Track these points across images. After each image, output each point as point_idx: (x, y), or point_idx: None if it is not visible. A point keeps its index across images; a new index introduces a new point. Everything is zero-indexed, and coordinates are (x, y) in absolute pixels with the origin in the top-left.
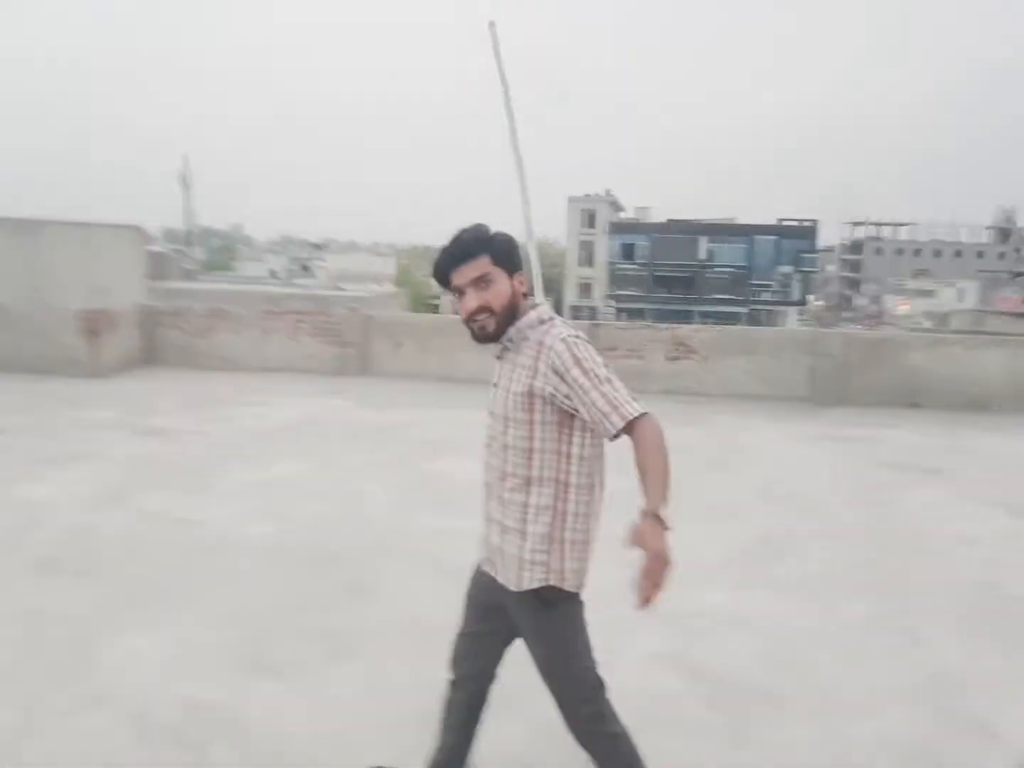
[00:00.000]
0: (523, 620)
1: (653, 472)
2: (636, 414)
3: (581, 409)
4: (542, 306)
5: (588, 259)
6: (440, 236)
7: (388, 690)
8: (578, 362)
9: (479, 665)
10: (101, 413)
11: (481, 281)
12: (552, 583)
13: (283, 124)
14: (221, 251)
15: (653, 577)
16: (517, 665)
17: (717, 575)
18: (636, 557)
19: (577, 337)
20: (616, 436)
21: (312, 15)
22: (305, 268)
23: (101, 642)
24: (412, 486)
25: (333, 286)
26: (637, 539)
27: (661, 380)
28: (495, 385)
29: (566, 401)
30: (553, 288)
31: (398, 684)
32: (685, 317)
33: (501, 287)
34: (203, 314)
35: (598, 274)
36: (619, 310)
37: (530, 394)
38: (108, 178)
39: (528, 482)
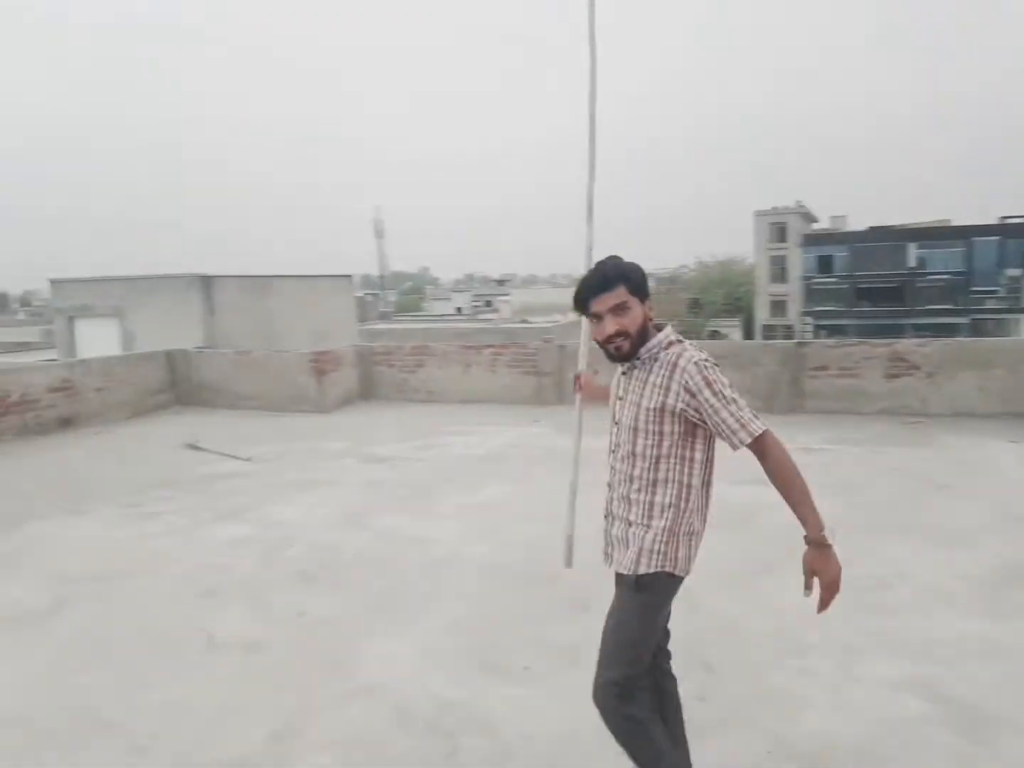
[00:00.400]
0: (621, 593)
1: (800, 496)
2: (760, 431)
3: (709, 423)
4: (667, 328)
5: (780, 275)
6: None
7: None
8: (709, 384)
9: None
10: (333, 444)
11: (619, 308)
12: (667, 570)
13: (460, 170)
14: (410, 292)
15: (830, 597)
16: None
17: (962, 602)
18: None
19: (707, 360)
20: (739, 447)
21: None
22: (488, 303)
23: (360, 643)
24: None
25: (519, 319)
26: (812, 567)
27: (878, 400)
28: (620, 399)
29: (695, 415)
30: (742, 308)
31: None
32: (895, 331)
33: (636, 313)
34: (410, 351)
35: (791, 290)
36: (817, 327)
37: (662, 410)
38: (309, 229)
39: (654, 484)
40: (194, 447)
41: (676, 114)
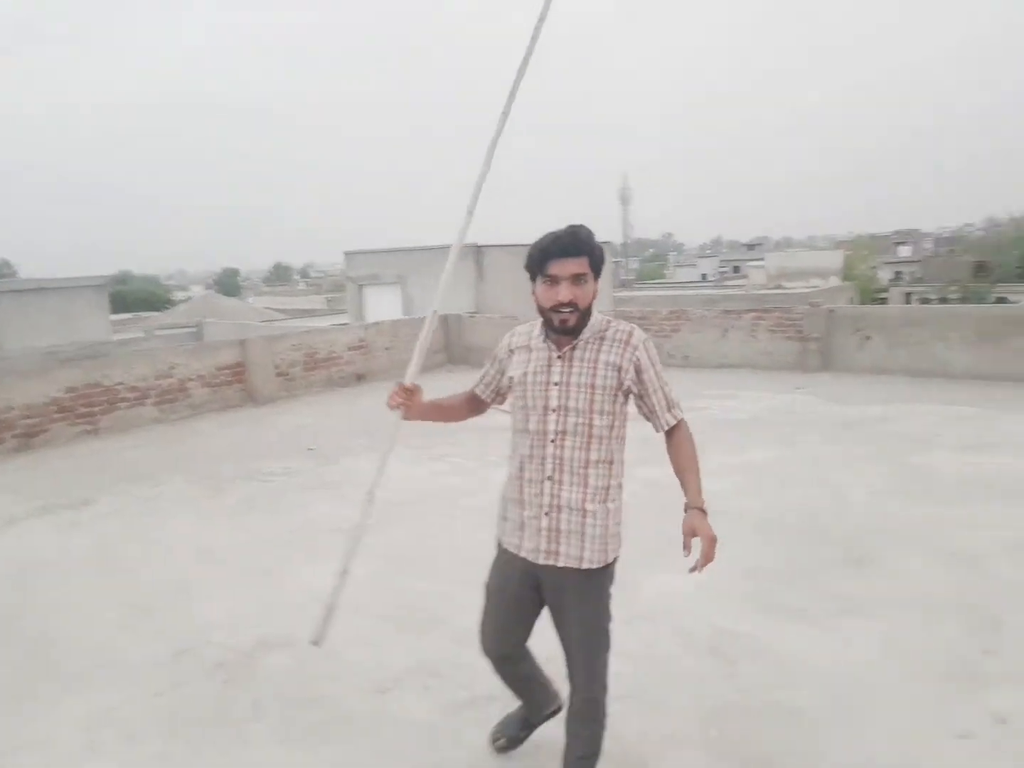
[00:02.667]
0: (589, 589)
1: (696, 472)
2: (682, 415)
3: (645, 402)
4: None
5: None
6: (883, 225)
7: (899, 644)
8: (654, 363)
9: (520, 640)
10: None
11: (578, 278)
12: (619, 552)
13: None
14: (652, 259)
15: (710, 555)
16: None
17: None
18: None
19: (649, 339)
20: (667, 427)
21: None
22: (736, 269)
23: (638, 576)
24: (896, 477)
25: (773, 285)
26: (695, 529)
27: None
28: (556, 384)
29: (635, 392)
30: None
31: (913, 646)
32: None
33: (590, 289)
34: (666, 316)
35: None
36: None
37: (617, 388)
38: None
39: (610, 465)
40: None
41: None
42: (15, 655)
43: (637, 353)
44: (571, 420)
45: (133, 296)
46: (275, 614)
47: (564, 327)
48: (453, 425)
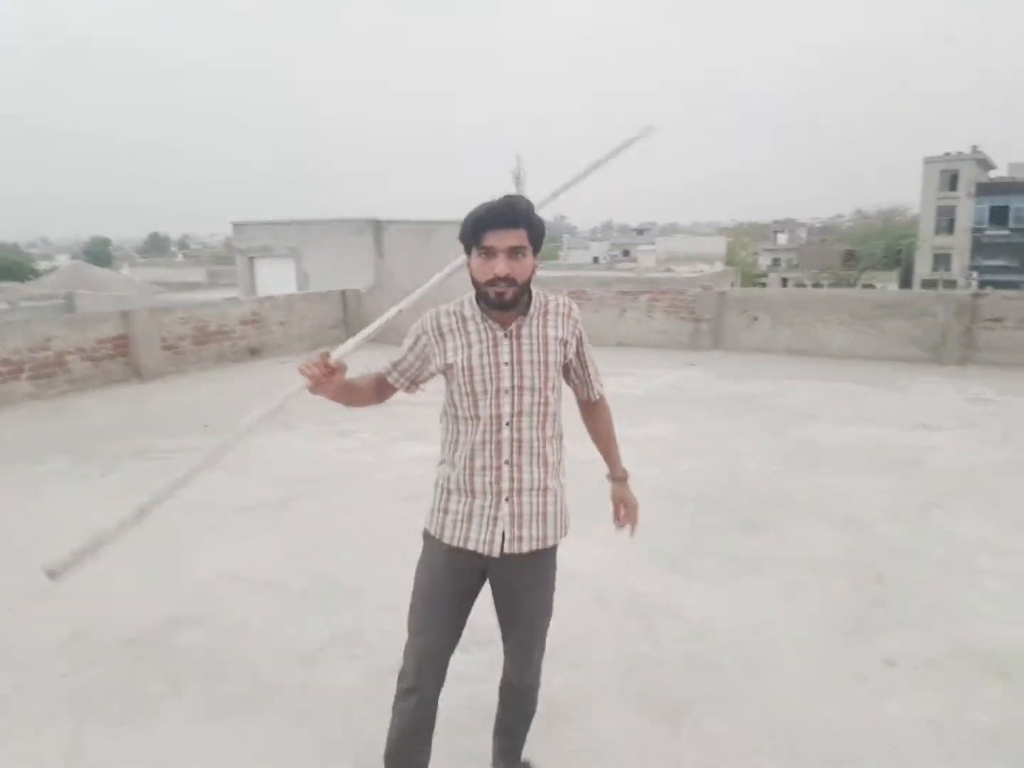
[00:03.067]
0: (543, 570)
1: (616, 442)
2: (603, 387)
3: (577, 374)
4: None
5: (947, 227)
6: (762, 213)
7: (797, 599)
8: (586, 337)
9: (450, 647)
10: None
11: (516, 251)
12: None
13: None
14: (547, 241)
15: (636, 519)
16: None
17: None
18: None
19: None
20: (595, 399)
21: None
22: (626, 253)
23: None
24: (783, 449)
25: (663, 268)
26: (623, 499)
27: None
28: (507, 364)
29: (572, 364)
30: (900, 261)
31: (808, 601)
32: None
33: (528, 263)
34: (567, 296)
35: (958, 243)
36: (983, 283)
37: (564, 363)
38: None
39: (560, 439)
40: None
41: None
42: None
43: (579, 325)
44: (526, 400)
45: None
46: (182, 593)
47: (500, 301)
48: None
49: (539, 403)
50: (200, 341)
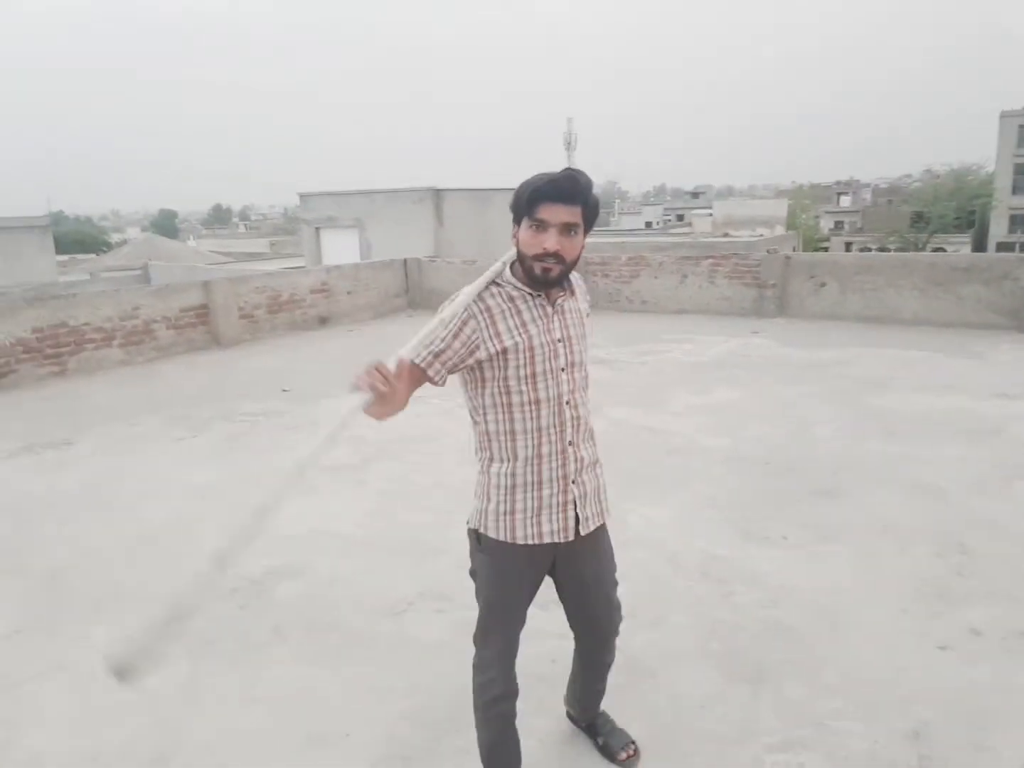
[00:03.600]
0: (607, 543)
1: None
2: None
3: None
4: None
5: None
6: (824, 174)
7: (877, 567)
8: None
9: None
10: None
11: (569, 228)
12: None
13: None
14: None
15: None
16: None
17: None
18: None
19: None
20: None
21: None
22: (680, 217)
23: (623, 508)
24: (855, 416)
25: (720, 233)
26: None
27: None
28: (560, 340)
29: None
30: (974, 223)
31: (888, 569)
32: None
33: (578, 242)
34: (626, 262)
35: None
36: None
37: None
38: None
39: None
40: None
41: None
42: (27, 586)
43: (588, 297)
44: (578, 376)
45: (67, 238)
46: (278, 546)
47: (546, 277)
48: None
49: (585, 377)
50: (273, 310)
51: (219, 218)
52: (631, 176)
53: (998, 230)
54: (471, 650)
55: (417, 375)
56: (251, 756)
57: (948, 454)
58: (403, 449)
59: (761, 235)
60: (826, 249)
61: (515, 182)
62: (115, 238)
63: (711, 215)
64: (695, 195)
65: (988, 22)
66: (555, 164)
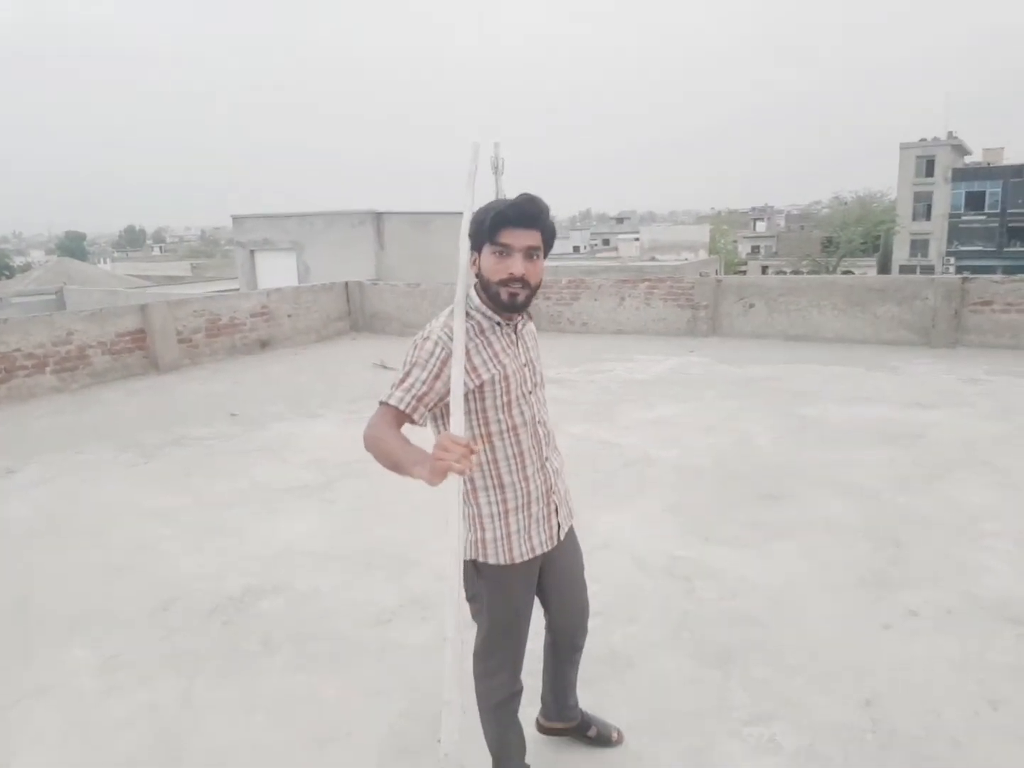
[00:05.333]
0: (575, 537)
1: None
2: None
3: None
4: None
5: (924, 212)
6: (740, 201)
7: (823, 560)
8: None
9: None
10: None
11: (532, 252)
12: None
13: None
14: None
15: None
16: None
17: None
18: None
19: None
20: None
21: None
22: (606, 242)
23: (590, 515)
24: (791, 427)
25: (648, 257)
26: None
27: None
28: (525, 365)
29: None
30: (878, 248)
31: (833, 561)
32: None
33: (540, 266)
34: (566, 285)
35: (935, 228)
36: (960, 268)
37: None
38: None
39: None
40: (383, 366)
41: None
42: None
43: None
44: (542, 395)
45: None
46: (253, 565)
47: (513, 302)
48: (376, 389)
49: (544, 395)
50: (213, 334)
51: (132, 241)
52: (557, 201)
53: (901, 254)
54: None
55: (402, 420)
56: (259, 760)
57: (876, 458)
58: (365, 469)
59: (686, 259)
60: (744, 272)
61: (450, 207)
62: (18, 261)
63: (638, 239)
64: (619, 220)
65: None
66: (485, 190)
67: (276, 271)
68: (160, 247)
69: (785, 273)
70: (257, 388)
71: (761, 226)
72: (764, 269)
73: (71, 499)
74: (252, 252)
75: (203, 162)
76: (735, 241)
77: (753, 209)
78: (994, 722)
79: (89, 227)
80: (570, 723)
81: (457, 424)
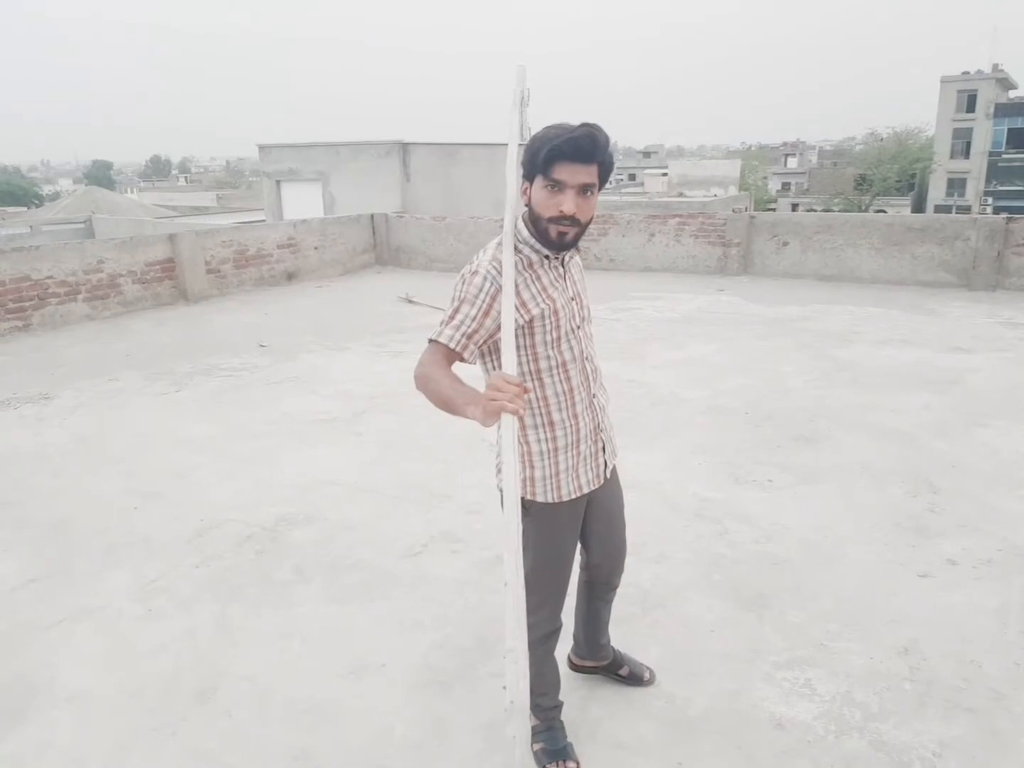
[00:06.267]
0: (617, 482)
1: None
2: None
3: None
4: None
5: (963, 150)
6: (771, 136)
7: (858, 506)
8: None
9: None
10: None
11: (587, 188)
12: None
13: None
14: None
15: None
16: None
17: None
18: None
19: None
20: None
21: None
22: (632, 177)
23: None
24: (824, 368)
25: (676, 193)
26: None
27: None
28: (573, 299)
29: None
30: (914, 186)
31: (869, 506)
32: None
33: (594, 203)
34: (594, 219)
35: (974, 167)
36: (996, 209)
37: None
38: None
39: None
40: (410, 301)
41: None
42: (33, 536)
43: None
44: (590, 330)
45: None
46: (285, 495)
47: (562, 240)
48: (402, 323)
49: (591, 330)
50: (240, 265)
51: (157, 170)
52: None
53: (936, 193)
54: (493, 585)
55: (452, 359)
56: (294, 685)
57: (912, 402)
58: (394, 403)
59: (715, 195)
60: (774, 210)
61: (480, 137)
62: (46, 190)
63: (666, 175)
64: (647, 155)
65: None
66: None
67: (302, 202)
68: (186, 177)
69: (816, 211)
70: (285, 320)
71: (792, 162)
72: (794, 207)
73: (106, 426)
74: (278, 183)
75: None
76: (765, 178)
77: (785, 144)
78: None
79: (116, 156)
80: (602, 662)
81: (509, 364)
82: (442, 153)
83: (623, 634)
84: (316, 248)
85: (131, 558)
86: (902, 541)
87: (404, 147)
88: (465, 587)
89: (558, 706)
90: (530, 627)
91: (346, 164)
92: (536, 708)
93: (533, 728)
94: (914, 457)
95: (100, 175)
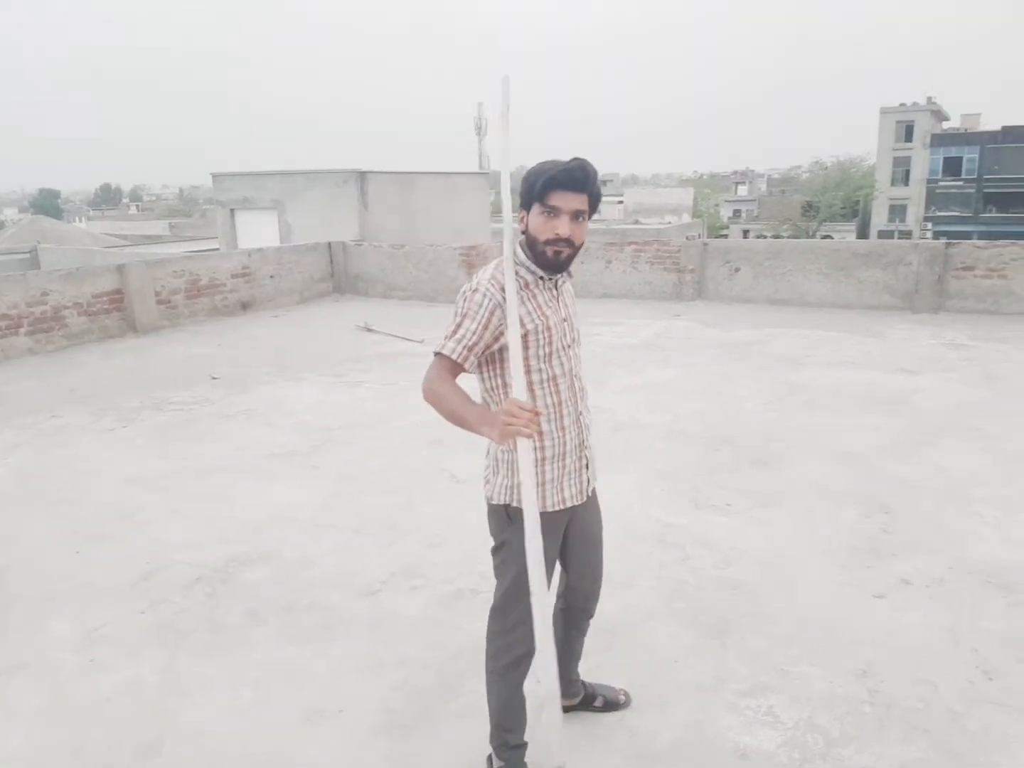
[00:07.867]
0: (597, 506)
1: None
2: None
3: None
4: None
5: (903, 177)
6: (722, 164)
7: (814, 528)
8: None
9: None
10: None
11: (579, 214)
12: None
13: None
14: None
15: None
16: None
17: None
18: None
19: None
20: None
21: None
22: None
23: None
24: (778, 392)
25: (632, 220)
26: None
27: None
28: (565, 320)
29: None
30: (857, 212)
31: (825, 529)
32: (1022, 239)
33: (584, 228)
34: None
35: (913, 194)
36: (937, 233)
37: None
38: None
39: None
40: (368, 329)
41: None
42: None
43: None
44: (579, 351)
45: None
46: (238, 534)
47: (557, 260)
48: (361, 352)
49: (580, 351)
50: (192, 295)
51: (107, 199)
52: (538, 161)
53: (879, 219)
54: (453, 622)
55: (456, 371)
56: (246, 736)
57: (863, 423)
58: (351, 435)
59: (669, 223)
60: (726, 236)
61: (437, 167)
62: None
63: (621, 202)
64: (603, 183)
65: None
66: (468, 150)
67: (257, 231)
68: (137, 206)
69: (766, 238)
70: (239, 351)
71: (743, 190)
72: (745, 233)
73: (47, 465)
74: (232, 211)
75: (181, 122)
76: (717, 205)
77: (735, 173)
78: (989, 692)
79: (64, 185)
80: (573, 699)
81: (519, 390)
82: (400, 182)
83: (590, 666)
84: (272, 277)
85: (72, 606)
86: (857, 562)
87: (362, 175)
88: (425, 625)
89: (523, 745)
90: (507, 647)
91: (302, 193)
92: (502, 747)
93: None
94: (866, 478)
95: (47, 204)
